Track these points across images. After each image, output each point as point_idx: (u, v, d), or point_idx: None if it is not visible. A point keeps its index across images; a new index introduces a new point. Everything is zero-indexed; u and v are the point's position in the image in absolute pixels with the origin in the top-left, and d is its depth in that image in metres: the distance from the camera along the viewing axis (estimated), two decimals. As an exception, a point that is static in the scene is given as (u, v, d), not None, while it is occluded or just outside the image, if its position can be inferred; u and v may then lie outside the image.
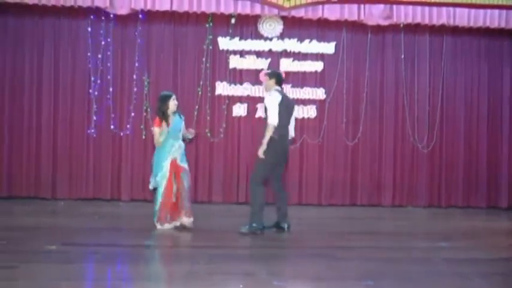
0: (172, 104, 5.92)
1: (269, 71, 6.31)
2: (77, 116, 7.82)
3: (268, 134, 5.66)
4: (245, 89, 8.00)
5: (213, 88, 7.98)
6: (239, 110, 8.02)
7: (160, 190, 5.83)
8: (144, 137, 7.85)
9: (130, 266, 4.47)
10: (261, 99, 8.00)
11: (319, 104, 8.14)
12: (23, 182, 7.72)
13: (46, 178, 7.73)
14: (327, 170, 8.15)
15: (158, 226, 5.83)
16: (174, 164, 5.86)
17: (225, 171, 8.00)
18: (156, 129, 5.89)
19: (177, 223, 5.86)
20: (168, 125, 5.86)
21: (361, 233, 6.21)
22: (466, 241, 5.92)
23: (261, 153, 5.70)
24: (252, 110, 8.03)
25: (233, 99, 8.03)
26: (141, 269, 4.35)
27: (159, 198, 5.83)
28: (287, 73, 8.05)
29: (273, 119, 5.66)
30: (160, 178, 5.83)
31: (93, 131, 7.81)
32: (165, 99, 5.94)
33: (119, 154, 7.89)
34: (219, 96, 8.01)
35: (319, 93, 8.12)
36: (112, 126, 7.84)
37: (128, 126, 7.86)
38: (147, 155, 7.83)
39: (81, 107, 7.83)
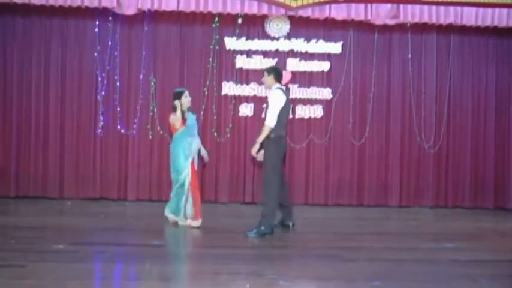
0: (186, 100, 5.98)
1: (267, 67, 6.19)
2: (83, 116, 7.85)
3: (264, 134, 5.59)
4: (252, 89, 8.00)
5: (220, 88, 7.99)
6: (245, 109, 8.02)
7: (185, 187, 5.90)
8: (150, 137, 7.87)
9: (137, 265, 4.48)
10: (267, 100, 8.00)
11: (326, 103, 8.13)
12: (31, 182, 7.76)
13: (53, 178, 7.77)
14: (334, 170, 8.14)
15: (192, 223, 5.93)
16: (192, 164, 6.00)
17: (231, 171, 8.00)
18: (172, 116, 5.96)
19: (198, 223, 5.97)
20: (184, 121, 5.94)
21: (368, 233, 6.20)
22: (473, 242, 5.89)
23: (254, 152, 5.70)
24: (258, 110, 8.01)
25: (239, 99, 8.03)
26: (148, 269, 4.36)
27: (184, 195, 5.90)
28: (294, 73, 8.07)
29: (271, 121, 5.57)
30: (185, 176, 5.90)
31: (99, 131, 7.83)
32: (177, 96, 6.01)
33: (125, 154, 7.91)
34: (226, 96, 8.01)
35: (326, 93, 8.10)
36: (119, 126, 7.86)
37: (135, 126, 7.88)
38: (153, 155, 7.87)
39: (88, 107, 7.86)
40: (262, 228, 5.62)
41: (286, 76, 8.03)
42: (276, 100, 5.64)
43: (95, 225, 6.14)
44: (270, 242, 5.50)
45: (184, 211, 5.96)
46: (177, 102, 5.97)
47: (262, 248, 5.30)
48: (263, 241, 5.52)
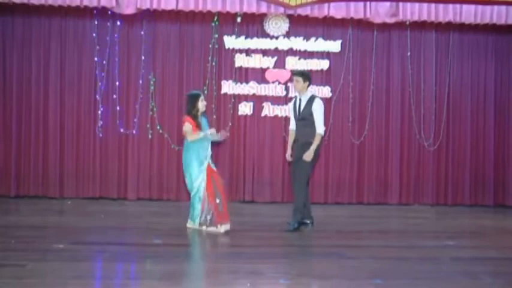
0: (201, 104, 5.76)
1: (299, 72, 6.16)
2: (83, 116, 7.85)
3: (317, 142, 5.80)
4: (251, 88, 8.00)
5: (219, 87, 7.98)
6: (245, 108, 8.02)
7: (200, 194, 5.68)
8: (150, 136, 7.87)
9: (138, 264, 4.48)
10: (266, 98, 8.01)
11: (325, 102, 8.10)
12: (31, 181, 7.76)
13: (53, 177, 7.77)
14: (333, 168, 8.14)
15: (205, 228, 5.68)
16: (210, 168, 5.76)
17: (231, 170, 8.00)
18: (187, 125, 5.68)
19: (227, 227, 5.67)
20: (199, 127, 5.71)
21: (368, 231, 6.20)
22: (474, 240, 5.90)
23: (309, 158, 5.78)
24: (257, 109, 8.02)
25: (239, 98, 8.03)
26: (148, 268, 4.36)
27: (199, 203, 5.68)
28: (293, 71, 8.05)
29: (322, 129, 5.88)
30: (200, 182, 5.69)
31: (99, 130, 7.83)
32: (194, 99, 5.75)
33: (125, 153, 7.91)
34: (225, 95, 8.01)
35: (325, 92, 8.09)
36: (118, 126, 7.86)
37: (134, 125, 7.88)
38: (153, 154, 7.88)
39: (87, 107, 7.86)
40: (294, 223, 5.83)
41: (285, 75, 8.04)
42: (321, 108, 5.92)
43: (95, 224, 6.13)
44: (271, 241, 5.51)
45: (199, 219, 5.70)
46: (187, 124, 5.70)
47: (263, 246, 5.29)
48: (264, 240, 5.52)
